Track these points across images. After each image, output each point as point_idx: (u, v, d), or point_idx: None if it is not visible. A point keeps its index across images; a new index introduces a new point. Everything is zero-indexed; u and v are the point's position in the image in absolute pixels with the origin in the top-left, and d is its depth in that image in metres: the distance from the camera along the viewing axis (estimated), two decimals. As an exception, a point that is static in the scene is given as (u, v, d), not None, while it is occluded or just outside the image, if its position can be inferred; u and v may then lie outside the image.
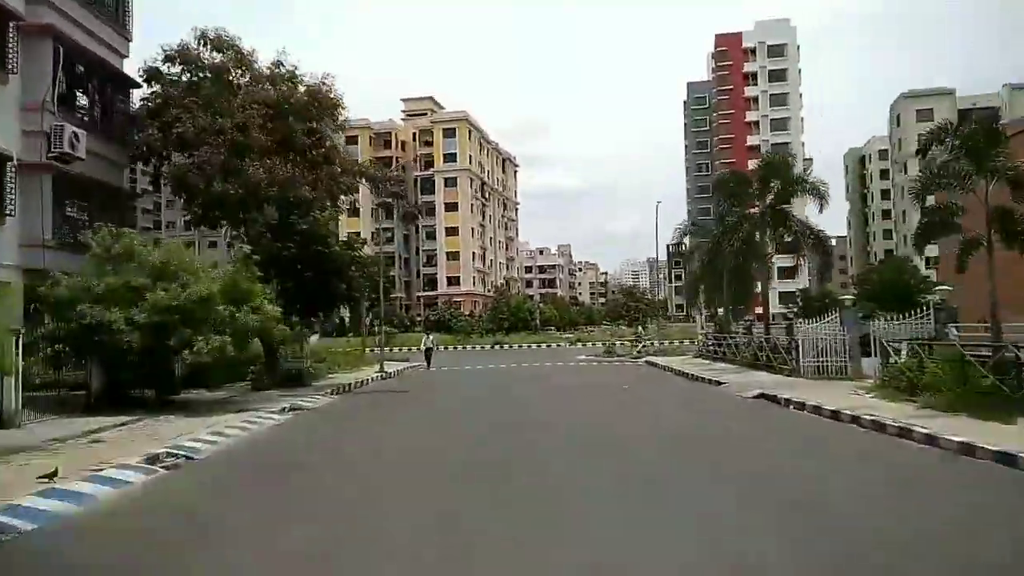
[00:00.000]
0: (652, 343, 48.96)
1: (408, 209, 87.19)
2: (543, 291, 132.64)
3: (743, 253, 31.16)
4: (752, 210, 31.82)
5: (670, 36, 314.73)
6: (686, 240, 48.31)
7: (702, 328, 44.57)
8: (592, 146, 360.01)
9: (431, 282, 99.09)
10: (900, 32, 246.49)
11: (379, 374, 31.37)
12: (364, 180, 36.72)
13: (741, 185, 33.10)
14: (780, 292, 70.88)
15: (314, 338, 37.15)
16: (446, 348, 54.47)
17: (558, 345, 57.65)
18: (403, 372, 34.88)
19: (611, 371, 33.55)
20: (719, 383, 23.29)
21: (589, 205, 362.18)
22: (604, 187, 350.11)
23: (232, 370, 22.64)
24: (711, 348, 35.58)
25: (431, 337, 43.64)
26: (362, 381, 28.71)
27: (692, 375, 27.20)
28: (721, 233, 33.01)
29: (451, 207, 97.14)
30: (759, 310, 40.29)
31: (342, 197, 32.74)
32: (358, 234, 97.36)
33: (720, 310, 39.87)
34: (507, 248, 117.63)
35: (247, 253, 21.55)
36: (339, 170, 31.30)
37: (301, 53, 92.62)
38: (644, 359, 39.61)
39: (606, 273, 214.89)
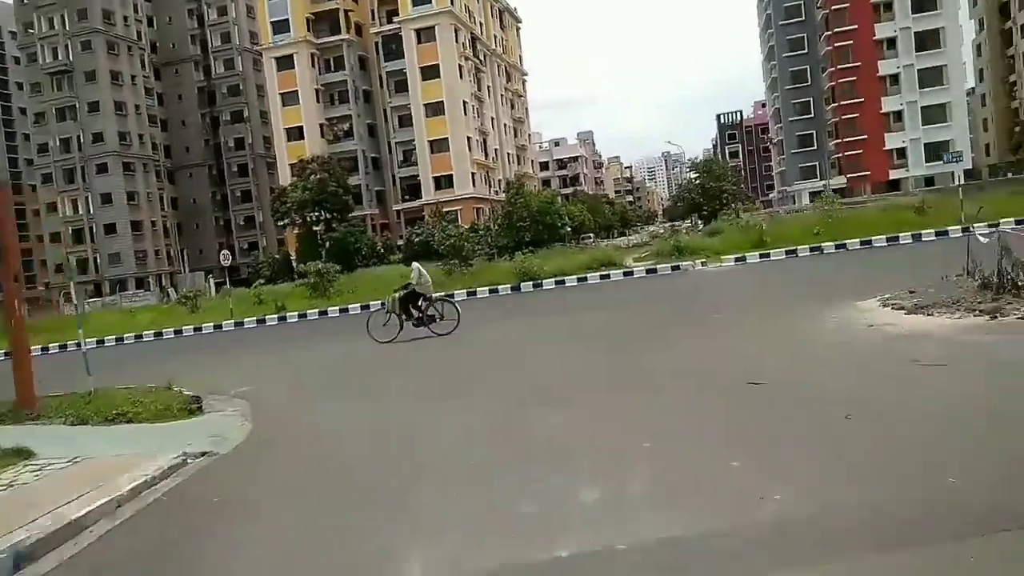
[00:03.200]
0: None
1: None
2: (565, 191, 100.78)
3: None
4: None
5: None
6: None
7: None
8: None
9: (412, 189, 67.86)
10: None
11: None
12: None
13: None
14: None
15: None
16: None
17: (646, 268, 27.65)
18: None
19: None
20: None
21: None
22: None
23: None
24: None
25: (420, 273, 16.89)
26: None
27: None
28: None
29: (430, 73, 65.59)
30: None
31: None
32: (299, 129, 65.60)
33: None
34: (516, 134, 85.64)
35: None
36: None
37: None
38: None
39: (630, 167, 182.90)
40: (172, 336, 26.45)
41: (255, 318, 26.44)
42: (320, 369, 14.31)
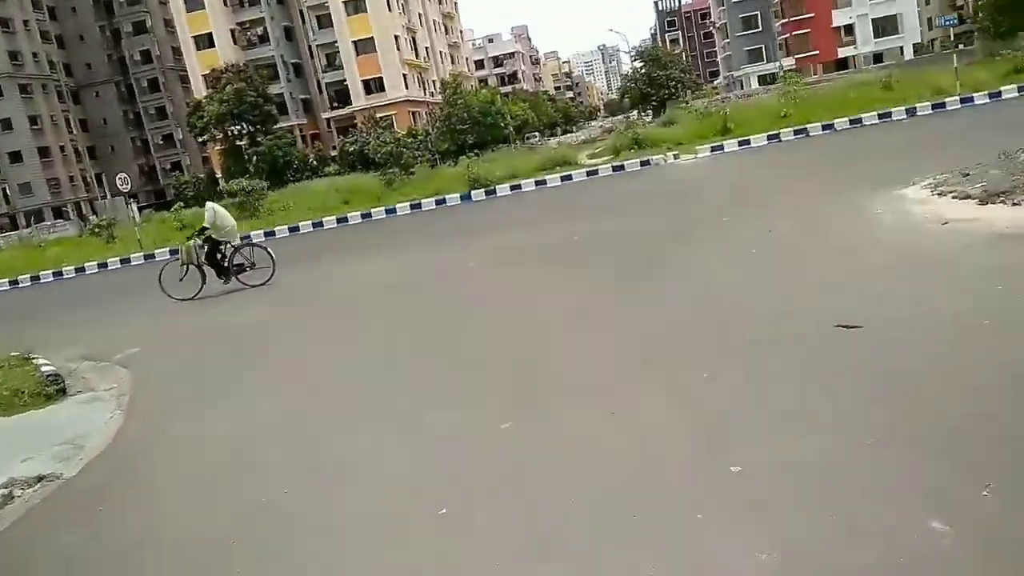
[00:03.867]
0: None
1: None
2: (504, 90, 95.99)
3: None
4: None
5: None
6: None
7: None
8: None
9: (341, 95, 63.05)
10: None
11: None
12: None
13: None
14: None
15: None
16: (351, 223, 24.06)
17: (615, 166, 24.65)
18: None
19: None
20: None
21: None
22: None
23: None
24: None
25: (215, 215, 13.23)
26: None
27: None
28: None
29: (344, -36, 59.32)
30: None
31: None
32: (208, 36, 59.66)
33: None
34: (447, 31, 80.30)
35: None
36: None
37: None
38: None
39: (568, 62, 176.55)
40: (73, 275, 23.00)
41: (168, 248, 23.12)
42: (234, 316, 11.49)
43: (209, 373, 8.11)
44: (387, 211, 23.49)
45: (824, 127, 22.61)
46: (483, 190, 23.53)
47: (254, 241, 15.13)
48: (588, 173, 23.39)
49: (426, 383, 6.24)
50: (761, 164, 19.02)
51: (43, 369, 8.25)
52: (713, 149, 23.01)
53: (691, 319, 6.63)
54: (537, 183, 23.33)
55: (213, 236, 12.89)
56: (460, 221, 18.97)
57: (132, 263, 23.00)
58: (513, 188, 23.34)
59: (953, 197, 8.78)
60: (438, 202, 23.47)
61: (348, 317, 9.78)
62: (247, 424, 6.13)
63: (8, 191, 73.18)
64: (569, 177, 23.27)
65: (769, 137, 22.91)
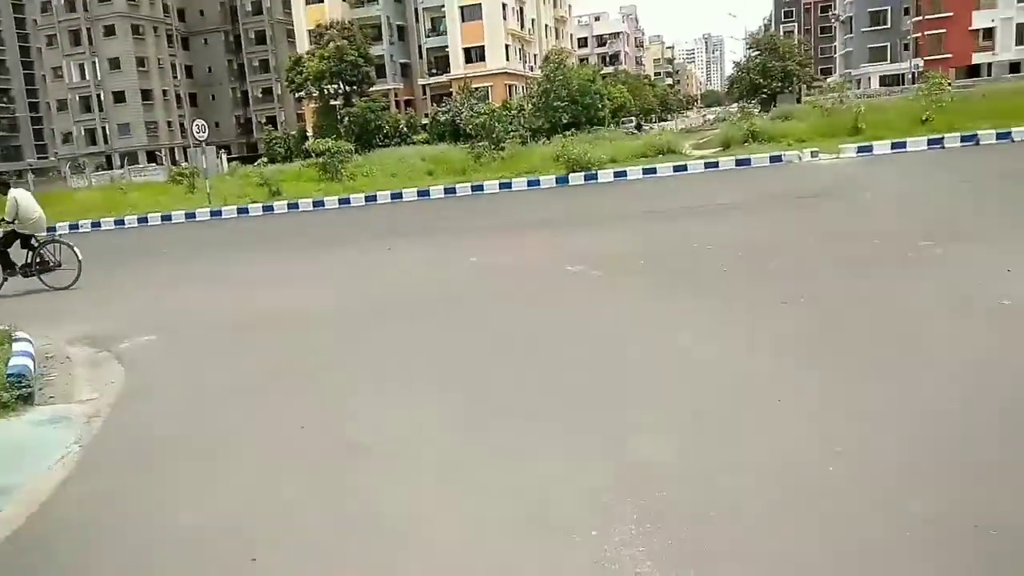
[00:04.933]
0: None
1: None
2: (606, 71, 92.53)
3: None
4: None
5: None
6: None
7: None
8: None
9: (440, 62, 61.25)
10: None
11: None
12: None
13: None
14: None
15: None
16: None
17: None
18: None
19: None
20: None
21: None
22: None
23: None
24: None
25: (18, 206, 11.40)
26: None
27: None
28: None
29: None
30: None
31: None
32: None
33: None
34: (555, 4, 77.32)
35: None
36: None
37: None
38: None
39: (672, 47, 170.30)
40: (135, 224, 21.81)
41: (235, 207, 21.63)
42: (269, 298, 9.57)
43: (228, 395, 6.13)
44: (473, 188, 21.40)
45: (999, 135, 19.06)
46: (582, 174, 21.14)
47: (60, 238, 12.94)
48: (706, 165, 20.61)
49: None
50: (935, 173, 15.74)
51: (12, 362, 6.41)
52: (860, 150, 19.84)
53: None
54: (645, 171, 20.73)
55: (18, 229, 11.27)
56: (557, 207, 16.71)
57: (196, 218, 21.65)
58: (617, 175, 20.80)
59: None
60: (531, 183, 21.21)
61: (424, 342, 7.67)
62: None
63: (108, 131, 74.49)
64: (683, 167, 20.58)
65: (931, 142, 19.56)
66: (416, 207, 20.24)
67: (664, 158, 23.20)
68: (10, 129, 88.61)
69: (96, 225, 22.05)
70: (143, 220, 22.05)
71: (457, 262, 11.00)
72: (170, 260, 14.69)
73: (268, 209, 21.28)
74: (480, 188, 21.26)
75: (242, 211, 21.34)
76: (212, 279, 11.79)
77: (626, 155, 23.36)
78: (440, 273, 10.43)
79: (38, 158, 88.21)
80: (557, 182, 21.00)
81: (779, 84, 50.88)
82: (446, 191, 21.62)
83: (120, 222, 22.11)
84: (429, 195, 21.62)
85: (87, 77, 74.21)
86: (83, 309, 10.12)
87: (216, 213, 21.48)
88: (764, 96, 50.28)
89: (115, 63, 73.35)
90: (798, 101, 48.32)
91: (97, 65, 73.54)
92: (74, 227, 21.91)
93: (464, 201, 20.23)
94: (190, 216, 21.73)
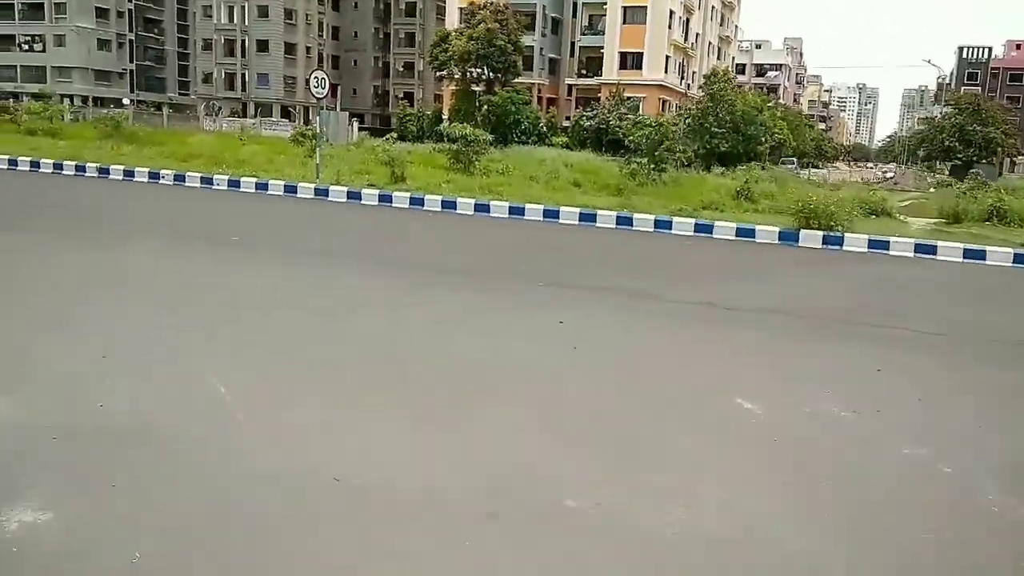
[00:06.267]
0: None
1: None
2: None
3: None
4: None
5: None
6: None
7: None
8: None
9: (592, 63, 56.85)
10: None
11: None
12: None
13: None
14: None
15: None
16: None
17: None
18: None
19: None
20: None
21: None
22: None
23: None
24: None
25: None
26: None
27: None
28: None
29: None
30: None
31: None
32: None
33: None
34: (723, 21, 71.67)
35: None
36: None
37: None
38: None
39: (830, 91, 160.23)
40: (224, 187, 18.22)
41: (347, 188, 17.62)
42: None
43: None
44: (658, 223, 15.83)
45: None
46: (820, 233, 15.11)
47: None
48: (967, 253, 14.37)
49: None
50: None
51: None
52: None
53: None
54: (919, 248, 14.65)
55: None
56: (835, 292, 11.67)
57: (296, 193, 17.80)
58: (873, 244, 14.75)
59: None
60: (741, 232, 15.31)
61: None
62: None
63: (247, 78, 73.61)
64: (932, 249, 14.52)
65: None
66: (583, 238, 14.74)
67: (879, 223, 17.90)
68: (157, 61, 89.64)
69: (180, 179, 18.61)
70: (234, 184, 18.40)
71: (704, 392, 6.33)
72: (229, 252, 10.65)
73: (385, 199, 17.02)
74: (667, 225, 15.73)
75: (353, 196, 17.22)
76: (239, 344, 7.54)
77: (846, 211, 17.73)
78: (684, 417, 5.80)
79: (180, 93, 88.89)
80: (781, 238, 15.22)
81: (975, 152, 43.97)
82: (619, 220, 16.08)
83: (208, 180, 18.54)
84: (595, 221, 16.16)
85: (235, 20, 73.56)
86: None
87: (322, 192, 17.51)
88: (958, 162, 43.53)
89: (263, 11, 72.38)
90: (999, 175, 41.50)
91: (247, 10, 72.78)
92: (154, 175, 18.60)
93: (653, 243, 14.69)
94: (290, 190, 17.89)
